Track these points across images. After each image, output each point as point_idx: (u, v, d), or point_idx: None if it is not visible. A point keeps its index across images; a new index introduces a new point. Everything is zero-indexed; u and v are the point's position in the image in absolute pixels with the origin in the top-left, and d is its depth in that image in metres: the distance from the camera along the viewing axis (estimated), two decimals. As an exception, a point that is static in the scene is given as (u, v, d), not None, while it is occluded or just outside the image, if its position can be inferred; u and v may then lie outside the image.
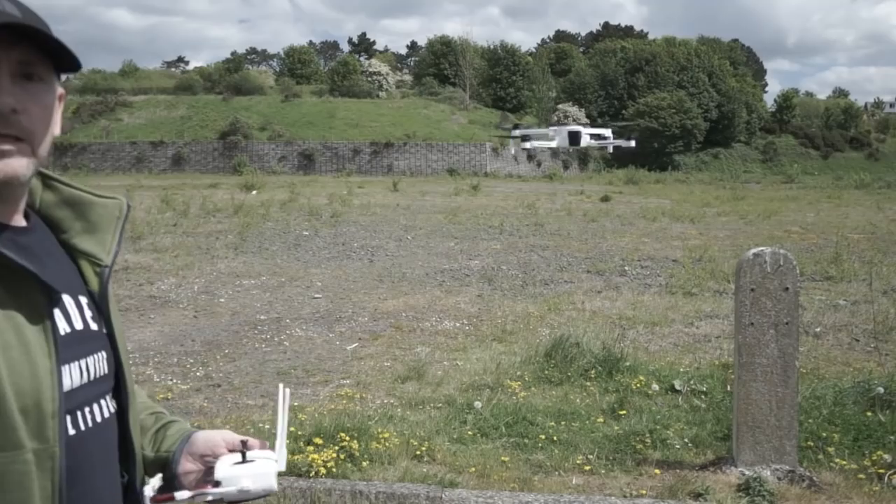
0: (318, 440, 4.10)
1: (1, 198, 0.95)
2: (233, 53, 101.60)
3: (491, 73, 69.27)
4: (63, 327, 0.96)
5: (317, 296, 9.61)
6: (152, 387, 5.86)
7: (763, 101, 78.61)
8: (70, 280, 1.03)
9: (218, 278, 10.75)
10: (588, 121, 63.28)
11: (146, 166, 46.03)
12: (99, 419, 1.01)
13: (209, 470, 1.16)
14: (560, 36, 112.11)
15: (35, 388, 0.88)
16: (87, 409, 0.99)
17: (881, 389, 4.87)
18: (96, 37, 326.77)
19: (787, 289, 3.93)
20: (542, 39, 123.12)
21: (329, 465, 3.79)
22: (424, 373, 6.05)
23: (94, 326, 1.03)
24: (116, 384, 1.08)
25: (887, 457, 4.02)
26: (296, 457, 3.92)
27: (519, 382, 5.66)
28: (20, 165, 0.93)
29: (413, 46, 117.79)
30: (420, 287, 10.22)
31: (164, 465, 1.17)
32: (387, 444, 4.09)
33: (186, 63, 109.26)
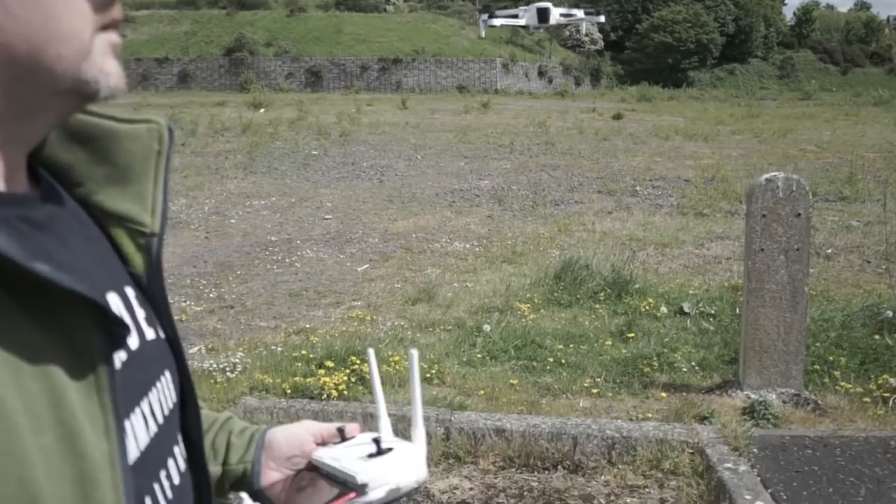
0: (329, 363, 4.18)
1: (44, 133, 0.63)
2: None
3: (502, -16, 67.14)
4: (118, 358, 0.60)
5: (327, 216, 9.63)
6: (166, 308, 5.95)
7: (782, 15, 76.14)
8: (109, 267, 0.67)
9: (228, 199, 10.75)
10: (601, 35, 61.61)
11: (152, 84, 45.41)
12: (177, 481, 0.69)
13: (301, 474, 0.93)
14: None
15: (85, 493, 0.53)
16: (162, 476, 0.66)
17: (890, 313, 4.89)
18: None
19: (798, 214, 3.89)
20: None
21: (340, 387, 3.87)
22: (435, 295, 6.11)
23: (150, 335, 0.68)
24: (182, 407, 0.74)
25: (893, 381, 4.06)
26: (308, 380, 4.00)
27: (528, 305, 5.71)
28: None
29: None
30: (430, 208, 10.20)
31: (238, 479, 0.92)
32: (397, 367, 4.16)
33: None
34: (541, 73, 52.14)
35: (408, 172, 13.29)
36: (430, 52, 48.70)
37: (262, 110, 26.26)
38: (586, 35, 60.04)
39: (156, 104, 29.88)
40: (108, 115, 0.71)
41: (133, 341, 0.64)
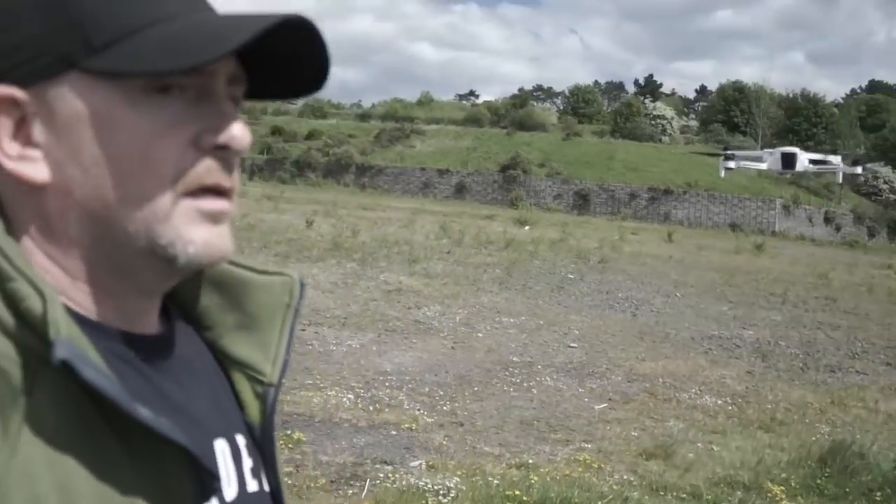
0: (544, 512, 3.89)
1: (154, 288, 0.64)
2: (520, 90, 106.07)
3: (787, 124, 64.06)
4: None
5: (572, 345, 9.41)
6: (400, 414, 6.08)
7: None
8: (224, 413, 0.69)
9: (479, 312, 10.99)
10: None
11: (431, 192, 49.27)
12: None
13: None
14: (874, 86, 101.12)
15: None
16: None
17: None
18: (400, 68, 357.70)
19: None
20: (853, 90, 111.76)
21: (552, 544, 3.56)
22: (673, 453, 5.56)
23: (252, 486, 0.68)
24: None
25: None
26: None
27: (782, 487, 4.96)
28: (231, 238, 0.63)
29: (702, 91, 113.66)
30: (683, 352, 9.56)
31: None
32: (619, 533, 3.76)
33: (477, 96, 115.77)
34: (827, 220, 48.20)
35: (664, 309, 12.69)
36: (703, 185, 47.47)
37: (526, 228, 27.11)
38: (885, 182, 54.66)
39: (430, 210, 32.23)
40: (245, 265, 0.74)
41: (231, 492, 0.64)
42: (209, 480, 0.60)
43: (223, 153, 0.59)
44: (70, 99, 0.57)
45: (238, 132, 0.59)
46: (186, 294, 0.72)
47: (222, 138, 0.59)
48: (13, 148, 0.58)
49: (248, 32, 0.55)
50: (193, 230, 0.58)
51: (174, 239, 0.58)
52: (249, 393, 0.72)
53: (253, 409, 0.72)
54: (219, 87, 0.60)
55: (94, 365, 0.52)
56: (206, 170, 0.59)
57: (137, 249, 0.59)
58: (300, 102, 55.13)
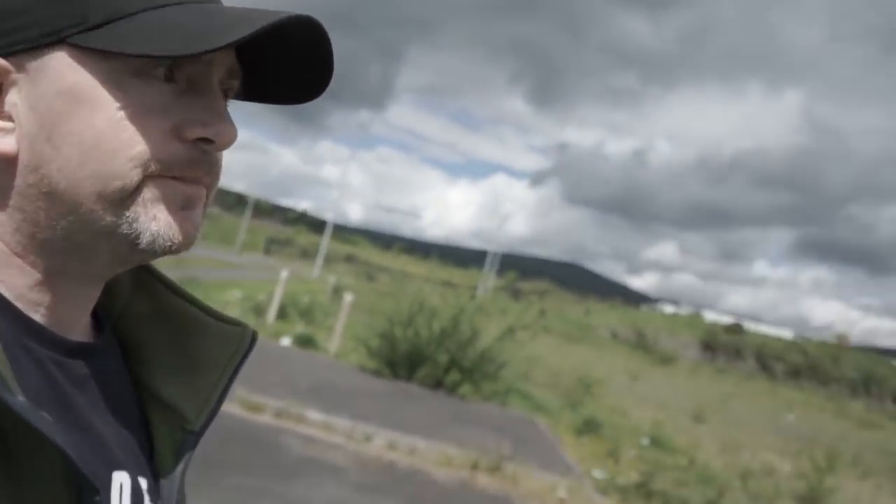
0: None
1: (105, 272, 0.62)
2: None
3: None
4: None
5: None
6: None
7: None
8: (132, 448, 0.64)
9: None
10: None
11: None
12: None
13: None
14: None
15: None
16: None
17: None
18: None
19: None
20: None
21: None
22: None
23: None
24: None
25: None
26: None
27: None
28: (200, 225, 0.61)
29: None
30: None
31: None
32: None
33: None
34: None
35: None
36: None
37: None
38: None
39: None
40: (201, 305, 0.72)
41: None
42: (89, 495, 0.53)
43: (206, 146, 0.59)
44: (54, 73, 0.56)
45: (224, 128, 0.59)
46: (127, 325, 0.71)
47: (208, 132, 0.58)
48: None
49: (254, 27, 0.54)
50: (159, 209, 0.57)
51: (139, 214, 0.57)
52: (166, 437, 0.68)
53: (166, 454, 0.68)
54: (214, 80, 0.60)
55: None
56: (188, 161, 0.58)
57: (100, 228, 0.57)
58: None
